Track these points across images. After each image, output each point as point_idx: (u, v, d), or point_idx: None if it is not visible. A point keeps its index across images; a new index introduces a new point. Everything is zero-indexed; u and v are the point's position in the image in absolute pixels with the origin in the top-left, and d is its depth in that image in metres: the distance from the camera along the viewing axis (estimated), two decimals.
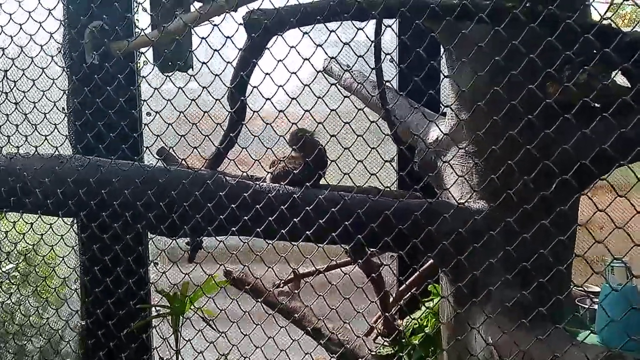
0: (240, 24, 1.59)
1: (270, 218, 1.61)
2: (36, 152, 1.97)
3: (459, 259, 1.68)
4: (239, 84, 1.66)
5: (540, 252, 1.57)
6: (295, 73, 1.60)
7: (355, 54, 1.65)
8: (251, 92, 1.70)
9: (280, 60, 1.57)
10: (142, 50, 2.85)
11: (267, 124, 1.61)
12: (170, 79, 2.10)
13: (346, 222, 1.59)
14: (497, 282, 1.67)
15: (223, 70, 1.70)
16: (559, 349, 1.22)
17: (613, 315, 1.32)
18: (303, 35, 1.56)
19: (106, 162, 1.83)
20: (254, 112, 1.75)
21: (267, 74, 1.56)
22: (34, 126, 2.12)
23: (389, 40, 3.29)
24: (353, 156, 1.70)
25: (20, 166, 1.86)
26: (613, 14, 1.76)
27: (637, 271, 1.34)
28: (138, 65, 3.08)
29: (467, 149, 1.83)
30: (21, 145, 2.14)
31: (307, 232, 1.60)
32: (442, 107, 2.68)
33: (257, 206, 1.62)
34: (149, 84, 2.02)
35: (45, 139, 2.07)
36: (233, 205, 1.67)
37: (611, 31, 1.48)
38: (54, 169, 1.82)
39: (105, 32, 2.88)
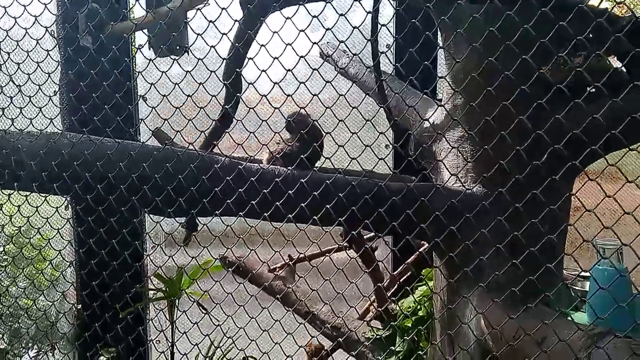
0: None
1: (259, 197, 1.61)
2: (38, 130, 1.96)
3: (455, 243, 1.70)
4: (236, 56, 1.65)
5: (532, 232, 1.58)
6: (303, 56, 1.60)
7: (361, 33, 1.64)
8: (246, 64, 1.68)
9: (271, 36, 1.55)
10: (137, 34, 2.83)
11: (276, 108, 1.60)
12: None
13: (328, 203, 1.59)
14: (489, 263, 1.69)
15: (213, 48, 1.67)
16: (560, 331, 1.24)
17: (600, 296, 1.33)
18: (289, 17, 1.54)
19: (108, 141, 1.83)
20: (263, 96, 1.76)
21: (262, 45, 1.55)
22: (28, 97, 2.12)
23: (387, 17, 3.27)
24: (338, 144, 1.70)
25: (15, 141, 1.85)
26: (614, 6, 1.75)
27: (630, 254, 1.36)
28: (133, 48, 3.06)
29: (462, 132, 1.83)
30: (16, 117, 2.14)
31: (303, 206, 1.59)
32: (438, 91, 2.68)
33: (254, 184, 1.62)
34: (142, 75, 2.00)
35: (41, 110, 2.06)
36: (228, 178, 1.67)
37: (607, 15, 1.48)
38: (52, 146, 1.81)
39: (100, 15, 2.85)
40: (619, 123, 1.35)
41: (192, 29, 1.85)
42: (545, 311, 1.37)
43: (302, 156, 1.72)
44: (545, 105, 1.46)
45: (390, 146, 2.84)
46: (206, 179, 1.63)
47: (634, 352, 1.03)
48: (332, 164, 1.80)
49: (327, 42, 2.86)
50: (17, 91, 2.08)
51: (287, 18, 1.64)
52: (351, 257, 2.31)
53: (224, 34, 1.77)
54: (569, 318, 1.41)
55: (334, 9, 1.64)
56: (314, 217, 1.59)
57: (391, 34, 2.98)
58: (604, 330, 1.14)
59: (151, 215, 1.92)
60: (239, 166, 1.64)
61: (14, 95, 2.12)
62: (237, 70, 1.60)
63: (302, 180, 1.62)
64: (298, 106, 1.78)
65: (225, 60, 1.67)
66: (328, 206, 1.56)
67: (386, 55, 3.18)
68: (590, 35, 1.42)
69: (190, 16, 2.62)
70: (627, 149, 1.33)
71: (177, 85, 1.83)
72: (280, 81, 1.60)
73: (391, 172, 2.82)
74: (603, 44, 1.48)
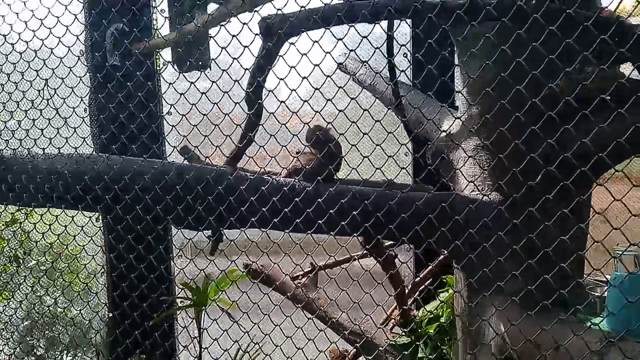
0: (257, 34, 1.66)
1: (286, 210, 1.69)
2: (76, 153, 2.09)
3: (473, 251, 1.73)
4: (256, 87, 1.74)
5: (551, 240, 1.61)
6: (306, 78, 1.68)
7: (372, 46, 1.72)
8: (267, 95, 1.77)
9: (292, 67, 1.64)
10: (161, 51, 2.94)
11: (282, 124, 1.68)
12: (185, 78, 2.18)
13: (354, 213, 1.65)
14: (508, 272, 1.72)
15: (241, 77, 1.77)
16: (565, 336, 1.27)
17: (621, 302, 1.35)
18: (313, 43, 1.62)
19: (136, 161, 1.93)
20: (270, 113, 1.84)
21: (281, 79, 1.64)
22: (60, 125, 2.25)
23: (404, 35, 3.32)
24: (363, 156, 1.78)
25: (61, 165, 1.97)
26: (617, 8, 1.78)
27: None
28: (158, 66, 3.17)
29: (478, 142, 1.87)
30: (47, 147, 2.27)
31: (320, 223, 1.66)
32: (456, 102, 2.72)
33: (274, 199, 1.70)
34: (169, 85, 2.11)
35: (75, 130, 2.20)
36: (252, 199, 1.75)
37: (619, 23, 1.51)
38: (90, 167, 1.93)
39: (126, 34, 2.98)
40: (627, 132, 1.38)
41: (216, 43, 1.94)
42: (564, 317, 1.40)
43: (327, 168, 1.79)
44: (556, 118, 1.49)
45: (410, 154, 2.90)
46: (232, 198, 1.71)
47: None
48: (358, 174, 1.87)
49: (345, 54, 2.93)
50: (54, 114, 2.20)
51: (314, 42, 1.72)
52: (373, 265, 2.36)
53: (245, 46, 1.87)
54: (588, 323, 1.44)
55: (354, 27, 1.71)
56: (332, 229, 1.65)
57: (408, 51, 3.03)
58: (617, 336, 1.17)
59: (180, 229, 2.01)
60: (263, 186, 1.72)
61: (51, 117, 2.25)
62: (259, 101, 1.69)
63: (323, 193, 1.69)
64: (325, 120, 1.85)
65: (247, 83, 1.76)
66: (344, 223, 1.62)
67: (404, 63, 3.25)
68: (600, 46, 1.45)
69: (214, 33, 2.74)
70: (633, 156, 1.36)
71: (203, 95, 1.93)
72: (294, 89, 1.67)
73: (411, 181, 2.90)
74: (613, 54, 1.51)
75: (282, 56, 1.67)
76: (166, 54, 3.18)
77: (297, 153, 1.89)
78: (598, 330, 1.29)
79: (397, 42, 2.07)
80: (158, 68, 3.19)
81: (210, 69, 3.08)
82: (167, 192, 1.80)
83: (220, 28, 2.17)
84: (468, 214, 1.71)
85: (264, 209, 1.72)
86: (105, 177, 1.88)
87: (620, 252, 1.41)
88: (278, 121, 1.79)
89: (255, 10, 2.05)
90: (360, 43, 1.84)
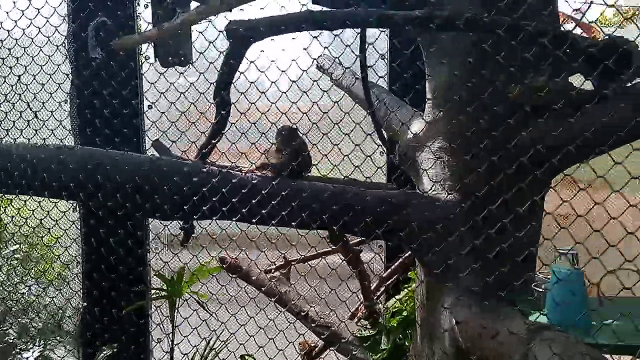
0: (220, 31, 1.76)
1: (251, 203, 1.77)
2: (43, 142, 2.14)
3: (428, 246, 1.83)
4: (223, 82, 1.83)
5: (504, 239, 1.72)
6: (284, 72, 1.78)
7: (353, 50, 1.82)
8: (248, 88, 1.85)
9: (283, 71, 1.75)
10: (144, 45, 3.00)
11: (252, 123, 1.76)
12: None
13: (311, 209, 1.75)
14: (465, 268, 1.82)
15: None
16: (508, 326, 1.37)
17: (558, 298, 1.46)
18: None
19: (114, 152, 2.00)
20: (252, 103, 1.94)
21: (251, 82, 1.74)
22: (41, 119, 2.30)
23: (382, 36, 3.42)
24: (343, 155, 1.89)
25: (30, 154, 2.03)
26: (581, 18, 1.89)
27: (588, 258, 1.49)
28: (140, 61, 3.22)
29: (441, 143, 1.97)
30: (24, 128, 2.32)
31: (283, 214, 1.76)
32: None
33: (242, 191, 1.79)
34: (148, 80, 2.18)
35: (61, 123, 2.26)
36: (224, 190, 1.84)
37: (570, 37, 1.62)
38: (63, 158, 1.99)
39: (108, 28, 3.02)
40: (573, 139, 1.49)
41: (192, 44, 2.03)
42: (504, 310, 1.50)
43: (293, 164, 1.88)
44: (511, 122, 1.60)
45: (385, 154, 3.00)
46: (205, 191, 1.80)
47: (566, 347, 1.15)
48: (340, 172, 1.98)
49: (324, 55, 3.02)
50: (29, 102, 2.25)
51: (293, 38, 1.82)
52: (341, 261, 2.46)
53: (210, 42, 2.01)
54: (531, 316, 1.54)
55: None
56: (293, 222, 1.74)
57: (384, 60, 3.15)
58: (542, 325, 1.27)
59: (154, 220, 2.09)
60: (233, 179, 1.80)
61: (24, 109, 2.30)
62: (224, 94, 1.78)
63: (285, 188, 1.78)
64: (309, 120, 1.95)
65: (215, 80, 1.85)
66: (303, 215, 1.71)
67: (381, 65, 3.35)
68: (550, 58, 1.56)
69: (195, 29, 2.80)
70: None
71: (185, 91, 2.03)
72: (267, 90, 1.76)
73: (385, 180, 2.99)
74: (565, 64, 1.62)
75: (247, 58, 1.76)
76: (149, 49, 3.24)
77: (265, 151, 1.97)
78: (529, 320, 1.40)
79: (374, 48, 2.17)
80: (140, 63, 3.24)
81: (192, 65, 3.15)
82: (140, 182, 1.87)
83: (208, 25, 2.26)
84: (423, 212, 1.80)
85: (232, 200, 1.80)
86: (77, 166, 1.94)
87: (562, 251, 1.52)
88: (248, 120, 1.89)
89: (238, 8, 2.14)
90: (344, 51, 1.96)
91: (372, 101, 2.23)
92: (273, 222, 1.80)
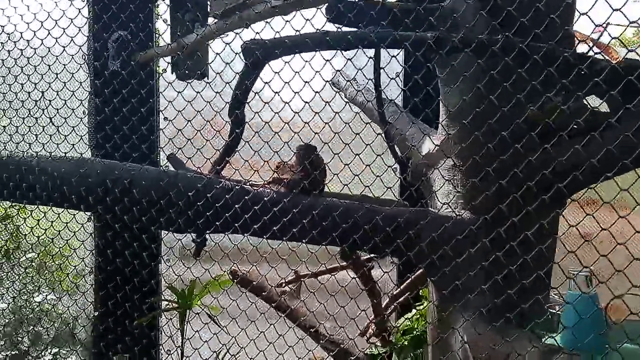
0: (237, 53, 1.79)
1: (261, 221, 1.79)
2: (71, 156, 2.22)
3: (440, 265, 1.82)
4: (237, 101, 1.86)
5: (517, 262, 1.70)
6: (297, 93, 1.81)
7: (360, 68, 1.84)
8: (262, 108, 1.89)
9: (296, 92, 1.80)
10: (161, 60, 3.06)
11: (265, 142, 1.80)
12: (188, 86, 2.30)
13: (325, 226, 1.76)
14: (476, 288, 1.80)
15: (221, 89, 1.90)
16: (521, 348, 1.35)
17: (572, 320, 1.44)
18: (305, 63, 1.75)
19: (131, 166, 2.04)
20: (266, 123, 1.97)
21: (276, 92, 1.75)
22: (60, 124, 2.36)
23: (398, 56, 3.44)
24: (354, 174, 1.91)
25: (51, 167, 2.09)
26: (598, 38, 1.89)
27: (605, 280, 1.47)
28: (157, 74, 3.28)
29: (454, 162, 1.97)
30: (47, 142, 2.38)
31: (294, 231, 1.77)
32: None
33: (255, 208, 1.80)
34: (165, 97, 2.22)
35: (81, 138, 2.33)
36: (237, 207, 1.86)
37: (585, 59, 1.62)
38: (79, 170, 2.05)
39: (128, 42, 3.09)
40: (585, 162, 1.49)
41: (206, 60, 2.06)
42: (516, 332, 1.49)
43: (305, 183, 1.90)
44: (518, 147, 1.60)
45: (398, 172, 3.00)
46: (218, 205, 1.82)
47: None
48: (349, 190, 2.00)
49: (337, 71, 3.04)
50: (53, 115, 2.31)
51: (306, 61, 1.85)
52: (352, 277, 2.45)
53: (227, 63, 2.01)
54: (544, 339, 1.52)
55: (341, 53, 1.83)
56: (304, 238, 1.75)
57: (399, 77, 3.17)
58: (555, 348, 1.25)
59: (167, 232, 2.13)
60: (246, 196, 1.83)
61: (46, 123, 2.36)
62: (238, 113, 1.82)
63: (298, 205, 1.80)
64: (321, 140, 1.97)
65: (231, 97, 1.89)
66: (314, 231, 1.73)
67: (396, 83, 3.36)
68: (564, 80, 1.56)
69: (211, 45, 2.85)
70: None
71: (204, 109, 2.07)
72: (280, 110, 1.79)
73: (397, 198, 2.99)
74: (582, 86, 1.62)
75: (261, 78, 1.80)
76: (166, 62, 3.29)
77: (277, 166, 2.00)
78: (548, 344, 1.38)
79: (385, 69, 2.18)
80: (157, 76, 3.30)
81: (208, 78, 3.20)
82: (158, 196, 1.90)
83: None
84: (435, 230, 1.80)
85: (236, 215, 1.82)
86: (99, 179, 1.99)
87: (575, 273, 1.50)
88: (262, 139, 1.92)
89: (248, 25, 2.18)
90: (357, 71, 1.98)
91: (386, 119, 2.24)
92: (285, 237, 1.81)
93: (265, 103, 1.93)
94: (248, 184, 1.94)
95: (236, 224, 1.84)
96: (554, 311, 1.60)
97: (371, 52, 2.04)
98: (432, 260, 1.81)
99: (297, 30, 1.75)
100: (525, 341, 1.36)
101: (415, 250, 1.83)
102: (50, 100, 2.44)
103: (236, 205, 1.82)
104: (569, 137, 1.65)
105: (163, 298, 3.29)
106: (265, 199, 1.83)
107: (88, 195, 1.99)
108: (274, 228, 1.80)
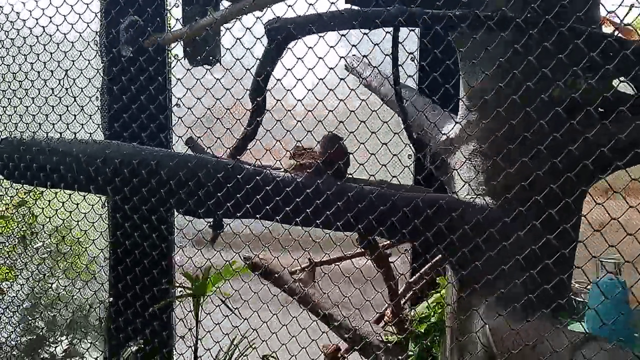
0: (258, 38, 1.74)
1: (282, 204, 1.77)
2: (90, 138, 2.21)
3: (464, 252, 1.79)
4: (258, 88, 1.82)
5: (542, 246, 1.66)
6: (321, 79, 1.77)
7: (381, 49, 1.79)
8: (274, 85, 1.84)
9: (299, 58, 1.72)
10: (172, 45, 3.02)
11: (278, 120, 1.75)
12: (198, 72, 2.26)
13: (347, 211, 1.72)
14: (499, 276, 1.77)
15: (242, 76, 1.85)
16: (550, 336, 1.32)
17: (599, 308, 1.41)
18: (318, 40, 1.70)
19: (144, 148, 2.02)
20: (278, 100, 1.93)
21: (288, 69, 1.71)
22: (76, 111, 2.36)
23: (410, 37, 3.38)
24: (370, 153, 1.87)
25: (75, 149, 2.10)
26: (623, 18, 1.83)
27: (632, 268, 1.43)
28: (169, 58, 3.25)
29: (475, 146, 1.92)
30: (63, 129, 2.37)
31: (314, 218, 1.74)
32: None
33: (272, 192, 1.79)
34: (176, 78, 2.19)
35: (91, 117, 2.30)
36: (248, 187, 1.84)
37: (614, 40, 1.57)
38: (105, 152, 2.06)
39: (139, 27, 3.05)
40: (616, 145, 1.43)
41: (221, 44, 2.03)
42: (543, 319, 1.45)
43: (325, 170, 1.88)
44: (544, 124, 1.55)
45: (412, 157, 2.96)
46: (230, 187, 1.79)
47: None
48: (366, 171, 1.96)
49: (353, 55, 2.99)
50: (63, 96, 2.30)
51: (320, 36, 1.81)
52: (368, 263, 2.43)
53: (248, 49, 1.98)
54: (570, 326, 1.49)
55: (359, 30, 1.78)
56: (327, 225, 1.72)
57: (414, 57, 3.10)
58: (588, 336, 1.22)
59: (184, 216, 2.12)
60: (257, 176, 1.81)
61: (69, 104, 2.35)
62: (260, 98, 1.78)
63: (322, 191, 1.76)
64: (336, 118, 1.93)
65: (253, 76, 1.85)
66: (349, 217, 1.69)
67: (411, 66, 3.31)
68: (591, 60, 1.51)
69: (224, 30, 2.81)
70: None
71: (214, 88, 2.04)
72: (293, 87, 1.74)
73: (412, 181, 2.95)
74: (610, 66, 1.56)
75: (280, 60, 1.76)
76: (178, 48, 3.26)
77: (294, 153, 1.97)
78: (576, 331, 1.35)
79: (404, 48, 2.13)
80: (170, 61, 3.27)
81: (221, 64, 3.16)
82: (173, 179, 1.89)
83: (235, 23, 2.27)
84: (460, 217, 1.76)
85: (264, 201, 1.79)
86: (115, 161, 1.98)
87: (604, 260, 1.46)
88: (274, 117, 1.87)
89: (268, 7, 2.13)
90: (373, 49, 1.93)
91: (402, 97, 2.20)
92: (316, 223, 1.80)
93: (278, 80, 1.88)
94: (270, 168, 1.90)
95: (265, 209, 1.82)
96: (578, 299, 1.57)
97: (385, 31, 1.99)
98: (455, 247, 1.78)
99: (316, 11, 1.70)
100: (555, 329, 1.33)
101: (441, 237, 1.79)
102: (66, 88, 2.43)
103: (267, 188, 1.80)
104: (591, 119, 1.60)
105: (177, 284, 3.29)
106: (296, 184, 1.81)
107: (114, 177, 1.99)
108: (308, 212, 1.78)
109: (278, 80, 1.93)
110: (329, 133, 1.98)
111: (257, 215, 1.86)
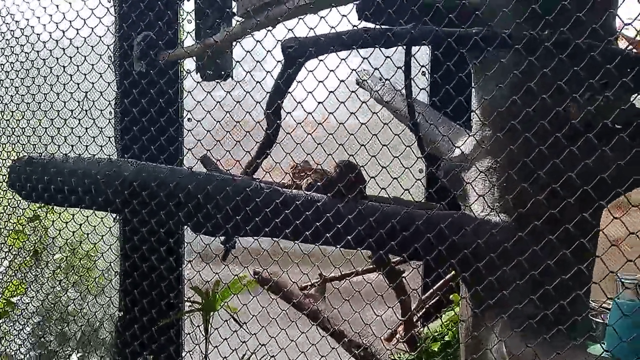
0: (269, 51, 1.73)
1: (302, 228, 1.77)
2: (99, 157, 2.22)
3: (479, 270, 1.75)
4: (274, 107, 1.83)
5: (558, 267, 1.62)
6: (332, 92, 1.77)
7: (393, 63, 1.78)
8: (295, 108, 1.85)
9: (320, 81, 1.74)
10: (185, 60, 3.05)
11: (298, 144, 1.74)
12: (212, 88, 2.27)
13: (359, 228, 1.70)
14: (515, 294, 1.73)
15: (252, 89, 1.86)
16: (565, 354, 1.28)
17: (620, 330, 1.37)
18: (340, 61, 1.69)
19: (158, 166, 2.03)
20: (288, 113, 1.94)
21: (309, 92, 1.72)
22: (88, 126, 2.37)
23: (422, 51, 3.37)
24: (381, 166, 1.85)
25: (93, 169, 2.11)
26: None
27: None
28: (182, 73, 3.27)
29: (489, 163, 1.90)
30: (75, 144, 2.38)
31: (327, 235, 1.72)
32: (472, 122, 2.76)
33: (286, 210, 1.76)
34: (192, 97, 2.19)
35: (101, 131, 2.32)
36: (267, 210, 1.83)
37: (631, 56, 1.54)
38: (111, 170, 2.06)
39: (151, 42, 3.08)
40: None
41: (242, 67, 2.04)
42: (563, 342, 1.41)
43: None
44: (575, 151, 1.53)
45: (424, 171, 2.93)
46: (246, 208, 1.81)
47: None
48: (377, 184, 1.94)
49: (364, 69, 2.99)
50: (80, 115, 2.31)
51: (331, 49, 1.80)
52: (379, 279, 2.39)
53: (258, 61, 2.01)
54: (588, 348, 1.45)
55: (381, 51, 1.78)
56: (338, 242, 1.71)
57: (427, 70, 3.10)
58: (604, 358, 1.18)
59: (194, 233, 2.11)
60: (276, 199, 1.80)
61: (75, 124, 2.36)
62: (279, 102, 1.77)
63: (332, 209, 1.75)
64: (347, 131, 1.92)
65: (268, 93, 1.85)
66: (349, 237, 1.67)
67: (422, 81, 3.30)
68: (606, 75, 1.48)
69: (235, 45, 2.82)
70: None
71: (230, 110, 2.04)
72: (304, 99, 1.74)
73: (424, 198, 2.92)
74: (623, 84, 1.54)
75: (300, 82, 1.77)
76: (191, 63, 3.28)
77: (293, 171, 1.96)
78: (595, 354, 1.31)
79: (416, 60, 2.13)
80: (182, 75, 3.29)
81: (232, 79, 3.18)
82: (191, 202, 1.88)
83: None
84: (477, 235, 1.73)
85: (283, 223, 1.79)
86: (134, 183, 1.99)
87: (623, 280, 1.42)
88: (294, 140, 1.87)
89: (279, 21, 2.14)
90: (384, 61, 1.93)
91: (414, 111, 2.18)
92: (317, 242, 1.77)
93: (298, 103, 1.88)
94: (281, 186, 1.89)
95: (285, 232, 1.81)
96: (597, 320, 1.52)
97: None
98: (471, 265, 1.74)
99: (332, 27, 1.70)
100: (573, 351, 1.29)
101: (452, 255, 1.76)
102: (79, 102, 2.44)
103: (281, 213, 1.79)
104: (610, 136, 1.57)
105: (186, 299, 3.28)
106: (318, 204, 1.79)
107: (118, 195, 1.98)
108: (326, 234, 1.76)
109: (288, 92, 1.93)
110: (344, 161, 1.97)
111: (275, 238, 1.85)
